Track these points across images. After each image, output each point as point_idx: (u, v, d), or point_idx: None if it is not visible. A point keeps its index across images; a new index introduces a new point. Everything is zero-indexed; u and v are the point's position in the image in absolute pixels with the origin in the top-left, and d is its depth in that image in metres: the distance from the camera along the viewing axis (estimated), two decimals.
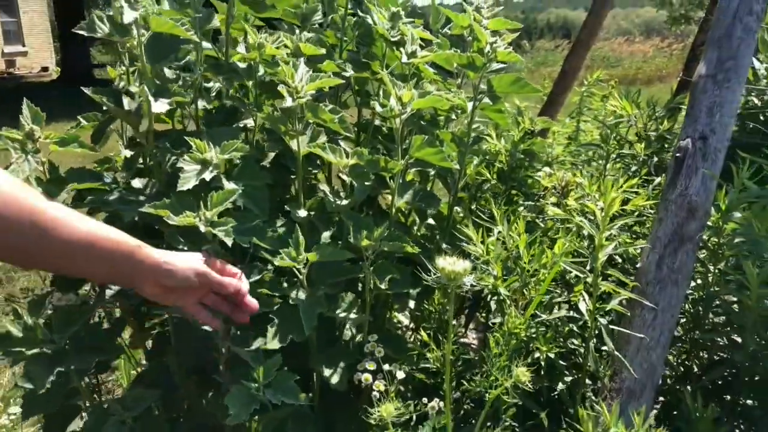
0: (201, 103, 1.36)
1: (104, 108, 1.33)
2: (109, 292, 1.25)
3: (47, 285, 1.59)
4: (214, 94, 1.44)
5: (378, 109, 1.17)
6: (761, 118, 4.64)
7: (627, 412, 0.86)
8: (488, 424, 0.86)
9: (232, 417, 0.97)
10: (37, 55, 23.75)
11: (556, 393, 0.95)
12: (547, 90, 3.25)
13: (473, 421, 0.88)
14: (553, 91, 3.28)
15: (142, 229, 1.36)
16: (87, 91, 1.21)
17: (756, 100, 4.57)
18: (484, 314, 1.25)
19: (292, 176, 1.39)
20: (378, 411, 0.88)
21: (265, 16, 1.49)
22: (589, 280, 0.93)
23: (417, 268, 1.12)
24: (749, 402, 0.95)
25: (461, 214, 1.44)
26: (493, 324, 1.00)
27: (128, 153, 1.43)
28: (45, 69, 23.08)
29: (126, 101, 1.21)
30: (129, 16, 1.07)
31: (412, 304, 1.30)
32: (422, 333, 1.09)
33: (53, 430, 1.27)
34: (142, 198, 1.21)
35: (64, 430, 1.29)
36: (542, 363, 0.91)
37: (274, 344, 1.10)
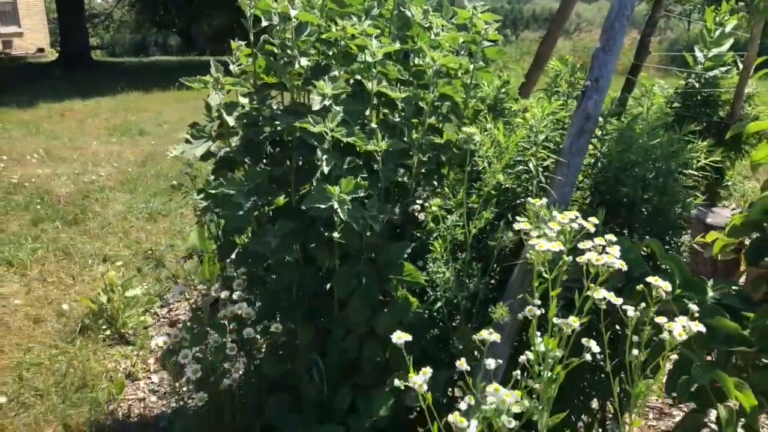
0: (305, 61, 2.23)
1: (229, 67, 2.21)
2: None
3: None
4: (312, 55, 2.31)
5: (420, 63, 2.07)
6: (698, 98, 5.75)
7: (550, 209, 1.75)
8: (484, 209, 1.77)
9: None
10: (32, 35, 24.05)
11: (516, 203, 1.86)
12: (525, 71, 4.14)
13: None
14: (529, 71, 4.20)
15: (273, 140, 2.25)
16: (260, 54, 2.10)
17: (695, 83, 5.66)
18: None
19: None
20: (431, 207, 1.78)
21: (343, 11, 2.36)
22: (533, 150, 1.84)
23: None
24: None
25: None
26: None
27: (246, 101, 2.29)
28: (41, 50, 23.39)
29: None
30: (293, 12, 1.96)
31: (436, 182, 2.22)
32: (446, 189, 1.99)
33: (226, 252, 2.17)
34: (282, 114, 2.09)
35: (231, 254, 2.19)
36: (508, 190, 1.81)
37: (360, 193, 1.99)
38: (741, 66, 4.88)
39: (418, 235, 2.05)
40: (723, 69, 5.49)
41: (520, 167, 1.88)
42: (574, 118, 1.93)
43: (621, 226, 1.81)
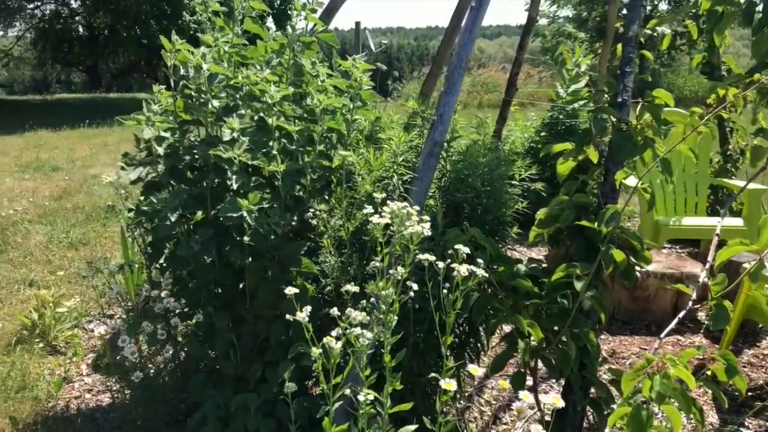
0: (216, 103, 2.76)
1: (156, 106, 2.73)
2: None
3: None
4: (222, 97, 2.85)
5: (309, 103, 2.66)
6: (562, 127, 6.73)
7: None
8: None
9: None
10: None
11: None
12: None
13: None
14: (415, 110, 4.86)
15: (191, 166, 2.77)
16: (179, 96, 2.62)
17: (559, 114, 6.62)
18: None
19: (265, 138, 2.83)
20: (320, 213, 2.34)
21: (245, 62, 2.93)
22: (395, 168, 2.45)
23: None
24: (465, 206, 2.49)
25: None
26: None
27: (168, 135, 2.81)
28: None
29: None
30: (205, 66, 2.50)
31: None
32: (333, 200, 2.56)
33: (155, 257, 2.65)
34: (199, 145, 2.62)
35: (159, 259, 2.66)
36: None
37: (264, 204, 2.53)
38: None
39: (312, 236, 2.62)
40: (581, 102, 6.42)
41: (386, 181, 2.49)
42: (425, 144, 2.56)
43: (463, 223, 2.44)
